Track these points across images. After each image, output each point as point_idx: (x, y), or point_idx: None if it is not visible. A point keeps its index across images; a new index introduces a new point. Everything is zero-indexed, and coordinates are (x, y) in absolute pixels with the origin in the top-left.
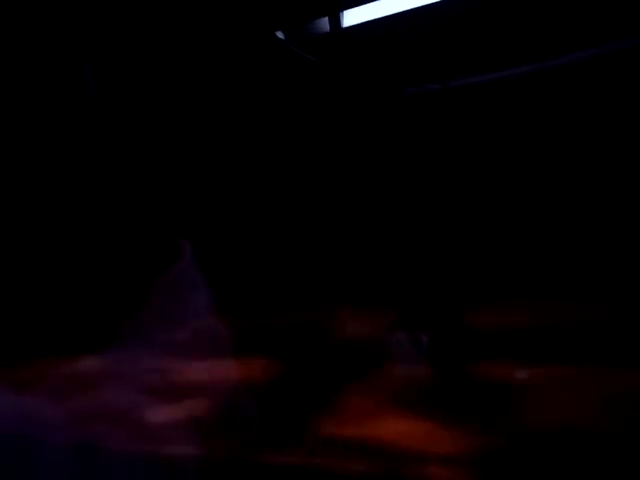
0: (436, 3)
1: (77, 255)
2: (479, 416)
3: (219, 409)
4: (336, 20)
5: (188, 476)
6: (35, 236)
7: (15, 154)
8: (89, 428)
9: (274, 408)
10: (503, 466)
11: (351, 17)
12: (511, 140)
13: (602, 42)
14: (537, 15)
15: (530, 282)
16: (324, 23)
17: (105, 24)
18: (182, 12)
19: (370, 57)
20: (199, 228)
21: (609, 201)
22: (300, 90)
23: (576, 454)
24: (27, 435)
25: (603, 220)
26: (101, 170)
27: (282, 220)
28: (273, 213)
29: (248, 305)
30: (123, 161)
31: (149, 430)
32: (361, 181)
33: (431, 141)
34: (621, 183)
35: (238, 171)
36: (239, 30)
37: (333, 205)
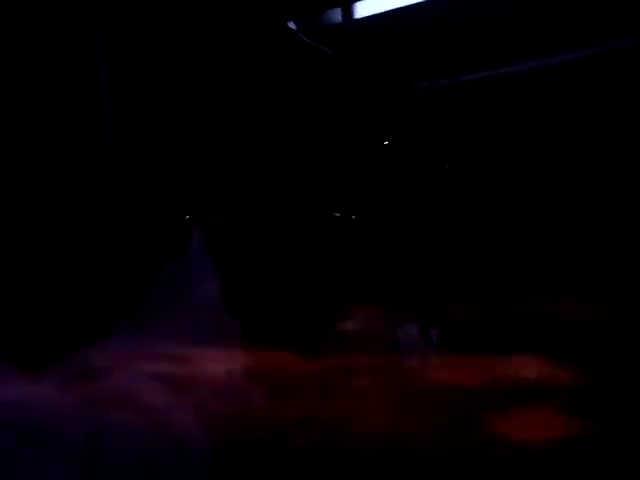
0: None
1: (86, 245)
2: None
3: (227, 398)
4: (348, 11)
5: (196, 462)
6: (47, 227)
7: (29, 149)
8: (103, 414)
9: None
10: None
11: (364, 8)
12: (526, 136)
13: (600, 41)
14: (542, 12)
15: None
16: (337, 14)
17: (119, 19)
18: (196, 3)
19: (381, 49)
20: (209, 220)
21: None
22: (311, 81)
23: None
24: (42, 421)
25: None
26: (113, 162)
27: (290, 214)
28: (281, 207)
29: (255, 298)
30: (134, 151)
31: (159, 416)
32: (369, 172)
33: (445, 136)
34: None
35: (246, 163)
36: (251, 20)
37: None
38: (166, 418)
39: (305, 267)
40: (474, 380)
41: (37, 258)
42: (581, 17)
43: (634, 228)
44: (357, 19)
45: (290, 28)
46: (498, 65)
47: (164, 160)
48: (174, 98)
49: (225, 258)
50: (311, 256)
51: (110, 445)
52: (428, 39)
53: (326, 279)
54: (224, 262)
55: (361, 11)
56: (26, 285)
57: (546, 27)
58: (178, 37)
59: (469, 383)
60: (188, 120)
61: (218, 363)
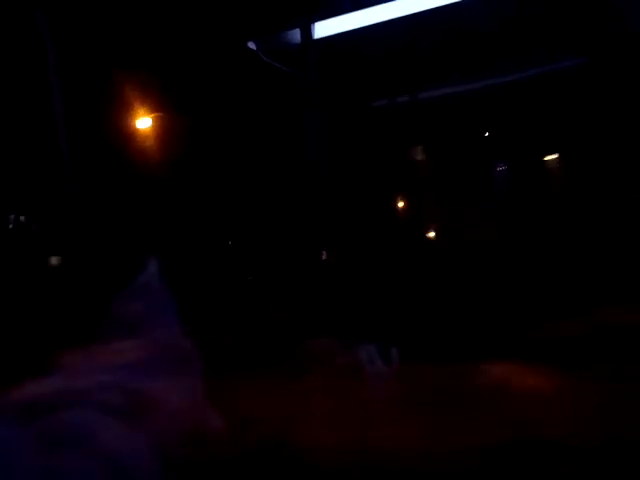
0: (406, 16)
1: (38, 272)
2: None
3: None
4: (307, 31)
5: None
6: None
7: None
8: (57, 459)
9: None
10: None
11: (322, 29)
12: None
13: (543, 62)
14: (496, 29)
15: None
16: (296, 34)
17: (75, 40)
18: (157, 18)
19: (340, 68)
20: (164, 245)
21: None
22: (271, 98)
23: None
24: None
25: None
26: (69, 187)
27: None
28: (237, 228)
29: (211, 319)
30: (90, 177)
31: (113, 460)
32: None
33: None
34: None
35: (201, 189)
36: (211, 39)
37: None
38: (120, 463)
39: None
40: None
41: None
42: (531, 40)
43: None
44: (316, 39)
45: (250, 48)
46: (455, 83)
47: (121, 185)
48: (131, 120)
49: (180, 283)
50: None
51: None
52: (386, 59)
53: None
54: (179, 287)
55: (320, 32)
56: None
57: (497, 49)
58: (141, 59)
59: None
60: (145, 144)
61: (173, 394)
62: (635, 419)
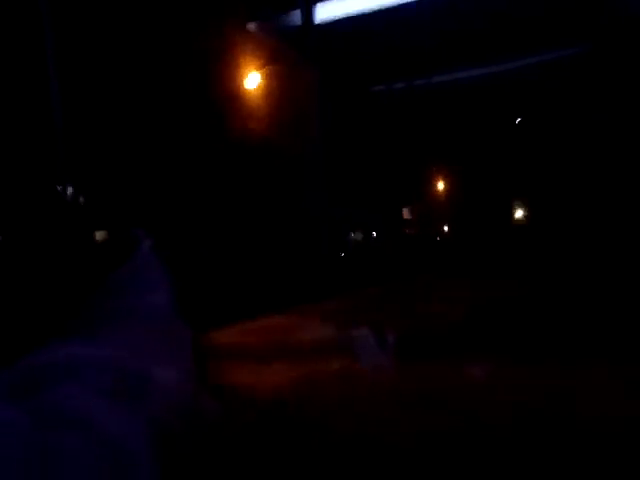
0: (408, 2)
1: (35, 248)
2: None
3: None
4: (308, 13)
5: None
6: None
7: None
8: (54, 437)
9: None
10: None
11: (323, 11)
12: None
13: (537, 51)
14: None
15: None
16: (297, 15)
17: (72, 30)
18: (156, 6)
19: (340, 52)
20: (160, 225)
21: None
22: (273, 82)
23: None
24: None
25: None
26: (63, 165)
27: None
28: (231, 216)
29: (206, 308)
30: (84, 156)
31: (109, 441)
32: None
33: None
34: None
35: (199, 172)
36: (211, 22)
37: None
38: (117, 443)
39: (260, 269)
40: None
41: None
42: (524, 29)
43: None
44: (317, 22)
45: (251, 29)
46: (451, 71)
47: (114, 166)
48: (129, 106)
49: (176, 267)
50: (269, 255)
51: (62, 471)
52: (386, 45)
53: (282, 281)
54: (174, 266)
55: (320, 14)
56: None
57: (496, 38)
58: (137, 44)
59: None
60: (141, 126)
61: (169, 372)
62: None
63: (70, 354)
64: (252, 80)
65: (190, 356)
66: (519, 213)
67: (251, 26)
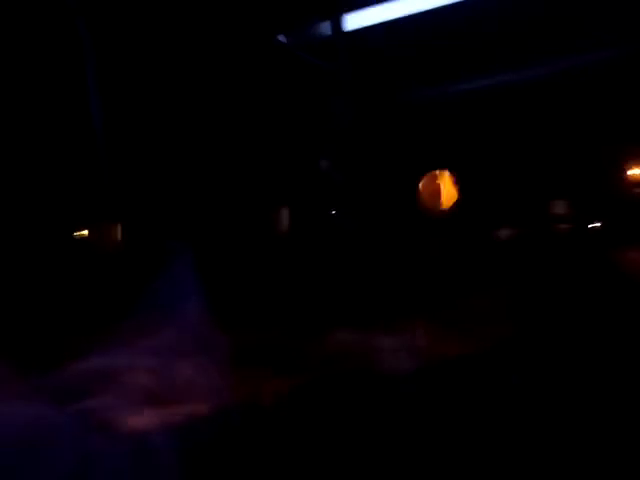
0: (436, 8)
1: (75, 259)
2: None
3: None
4: (338, 23)
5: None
6: (30, 241)
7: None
8: (95, 437)
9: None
10: None
11: (353, 21)
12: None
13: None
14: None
15: None
16: (326, 26)
17: (111, 35)
18: (185, 16)
19: (371, 61)
20: (197, 237)
21: None
22: (302, 92)
23: None
24: (38, 441)
25: None
26: (104, 175)
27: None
28: (267, 227)
29: (238, 317)
30: (125, 165)
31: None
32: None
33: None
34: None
35: (239, 181)
36: (242, 35)
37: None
38: (150, 445)
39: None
40: None
41: (21, 269)
42: (543, 35)
43: None
44: (347, 32)
45: (280, 41)
46: (484, 76)
47: (154, 176)
48: (170, 118)
49: (211, 278)
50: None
51: (102, 469)
52: (417, 51)
53: (315, 295)
54: (208, 279)
55: (351, 24)
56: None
57: (542, 36)
58: (175, 55)
59: None
60: (182, 138)
61: (201, 379)
62: None
63: (109, 362)
64: None
65: (221, 365)
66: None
67: (281, 38)
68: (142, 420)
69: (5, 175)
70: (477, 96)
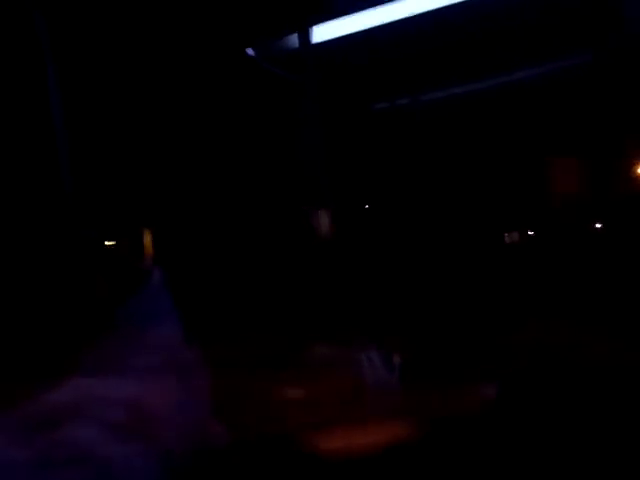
0: (403, 19)
1: (43, 279)
2: None
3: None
4: (305, 36)
5: None
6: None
7: None
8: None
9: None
10: None
11: (320, 33)
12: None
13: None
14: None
15: None
16: (294, 39)
17: (74, 44)
18: (154, 30)
19: (339, 72)
20: (170, 255)
21: None
22: (271, 104)
23: None
24: None
25: None
26: (69, 194)
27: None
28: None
29: (213, 334)
30: (91, 179)
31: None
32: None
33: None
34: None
35: (211, 194)
36: (210, 48)
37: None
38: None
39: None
40: None
41: None
42: (522, 42)
43: None
44: (314, 44)
45: (248, 55)
46: (452, 86)
47: (122, 188)
48: (134, 130)
49: (185, 296)
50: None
51: None
52: (385, 62)
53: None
54: (182, 298)
55: (318, 36)
56: None
57: (503, 46)
58: (142, 67)
59: None
60: (148, 152)
61: (175, 403)
62: None
63: (83, 390)
64: None
65: (201, 385)
66: None
67: (250, 52)
68: (116, 451)
69: None
70: (443, 104)
